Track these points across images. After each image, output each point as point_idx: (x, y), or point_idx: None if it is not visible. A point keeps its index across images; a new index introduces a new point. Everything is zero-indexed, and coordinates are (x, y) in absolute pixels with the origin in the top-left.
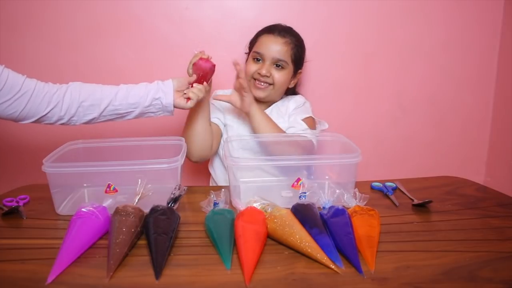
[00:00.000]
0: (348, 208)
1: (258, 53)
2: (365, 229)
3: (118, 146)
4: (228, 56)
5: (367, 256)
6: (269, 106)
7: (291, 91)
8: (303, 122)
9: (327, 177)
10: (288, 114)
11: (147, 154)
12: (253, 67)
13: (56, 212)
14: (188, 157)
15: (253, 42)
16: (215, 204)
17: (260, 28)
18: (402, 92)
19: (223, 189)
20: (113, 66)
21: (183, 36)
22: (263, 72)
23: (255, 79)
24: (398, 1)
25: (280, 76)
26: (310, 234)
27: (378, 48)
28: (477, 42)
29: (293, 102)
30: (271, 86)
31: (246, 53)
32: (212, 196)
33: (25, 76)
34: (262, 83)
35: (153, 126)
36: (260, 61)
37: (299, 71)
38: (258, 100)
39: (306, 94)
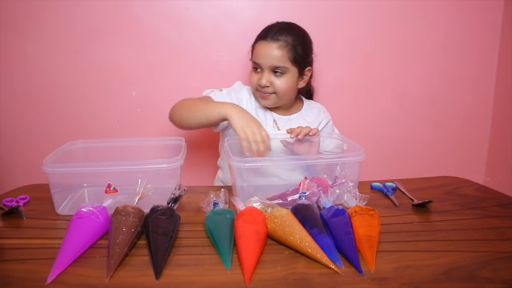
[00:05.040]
0: (348, 208)
1: (255, 62)
2: (365, 229)
3: (118, 146)
4: (228, 56)
5: (367, 256)
6: (292, 113)
7: (305, 91)
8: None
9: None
10: (318, 125)
11: (147, 154)
12: (254, 77)
13: (56, 212)
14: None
15: (252, 50)
16: (215, 204)
17: (260, 28)
18: (402, 92)
19: (222, 189)
20: (113, 66)
21: (183, 36)
22: (263, 82)
23: (257, 89)
24: (398, 1)
25: (281, 83)
26: (310, 234)
27: (378, 48)
28: (477, 42)
29: (323, 116)
30: (274, 95)
31: (250, 60)
32: (212, 196)
33: None
34: (265, 93)
35: (153, 125)
36: (259, 70)
37: (307, 68)
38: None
39: None
